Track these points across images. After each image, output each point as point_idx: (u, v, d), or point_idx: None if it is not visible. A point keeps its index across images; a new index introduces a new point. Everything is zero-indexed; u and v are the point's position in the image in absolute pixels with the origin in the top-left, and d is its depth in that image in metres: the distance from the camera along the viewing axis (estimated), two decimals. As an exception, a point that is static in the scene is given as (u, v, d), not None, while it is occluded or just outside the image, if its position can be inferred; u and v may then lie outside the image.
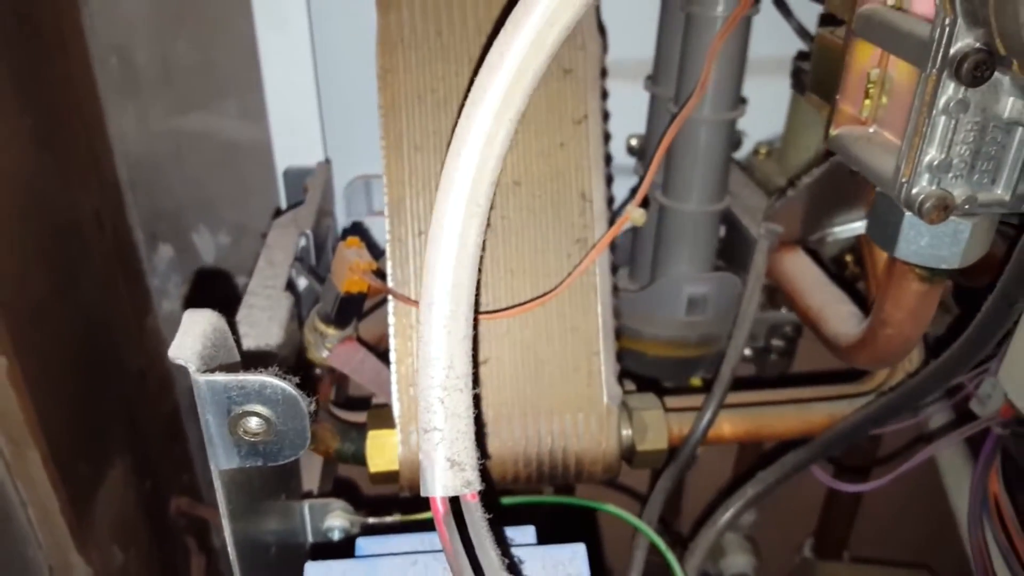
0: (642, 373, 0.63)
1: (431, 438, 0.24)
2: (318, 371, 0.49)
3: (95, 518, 0.64)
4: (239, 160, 0.73)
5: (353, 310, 0.46)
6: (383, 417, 0.43)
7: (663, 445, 0.45)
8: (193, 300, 0.67)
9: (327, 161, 0.60)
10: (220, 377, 0.25)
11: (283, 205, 0.62)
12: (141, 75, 0.70)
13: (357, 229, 0.60)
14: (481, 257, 0.27)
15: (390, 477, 0.43)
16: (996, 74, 0.30)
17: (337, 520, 0.42)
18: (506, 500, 0.45)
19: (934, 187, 0.32)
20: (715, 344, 0.59)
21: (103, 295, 0.70)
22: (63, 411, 0.58)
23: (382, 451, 0.43)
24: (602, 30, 0.47)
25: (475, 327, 0.28)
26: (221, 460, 0.27)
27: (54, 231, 0.60)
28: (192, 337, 0.26)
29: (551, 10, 0.24)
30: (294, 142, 0.60)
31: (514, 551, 0.31)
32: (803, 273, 0.50)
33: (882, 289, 0.40)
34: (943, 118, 0.31)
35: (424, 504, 0.43)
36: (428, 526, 0.37)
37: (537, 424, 0.44)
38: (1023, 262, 0.29)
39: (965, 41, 0.30)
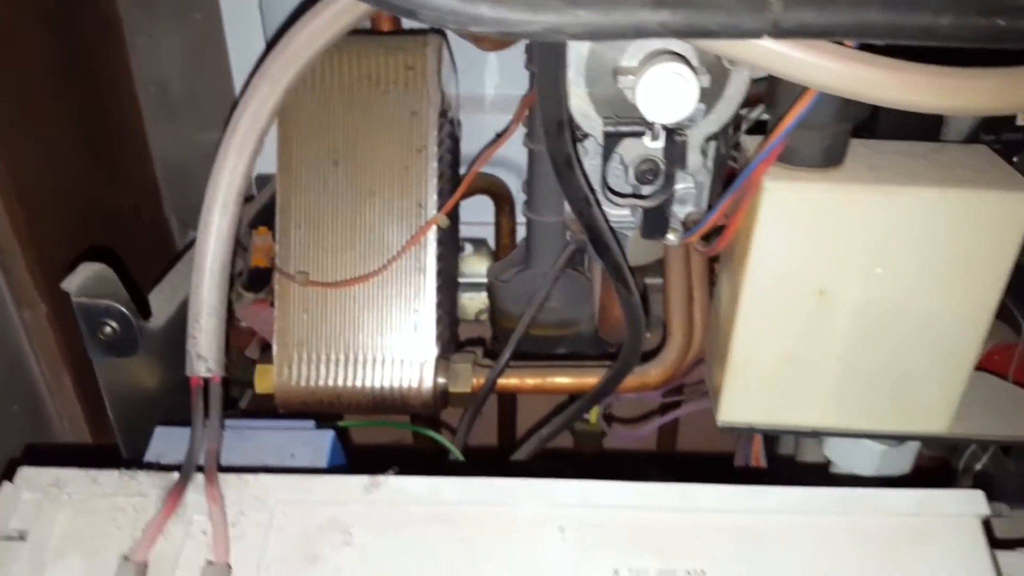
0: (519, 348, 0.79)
1: (190, 342, 0.42)
2: (244, 324, 0.68)
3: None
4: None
5: (262, 280, 0.65)
6: (268, 357, 0.62)
7: (467, 389, 0.61)
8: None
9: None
10: (84, 300, 0.44)
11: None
12: (175, 101, 0.92)
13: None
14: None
15: (269, 398, 0.61)
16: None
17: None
18: (358, 423, 0.62)
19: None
20: (571, 327, 0.74)
21: (140, 268, 0.92)
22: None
23: (263, 379, 0.61)
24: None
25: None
26: (94, 355, 0.46)
27: (95, 218, 0.82)
28: (78, 276, 0.45)
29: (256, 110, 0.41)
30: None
31: (281, 429, 0.49)
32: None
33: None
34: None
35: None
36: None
37: (375, 367, 0.61)
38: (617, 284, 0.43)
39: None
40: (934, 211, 0.42)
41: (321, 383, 0.61)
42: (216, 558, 0.36)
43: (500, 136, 0.63)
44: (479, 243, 0.89)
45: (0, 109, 0.68)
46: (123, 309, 0.45)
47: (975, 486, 0.64)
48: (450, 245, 0.67)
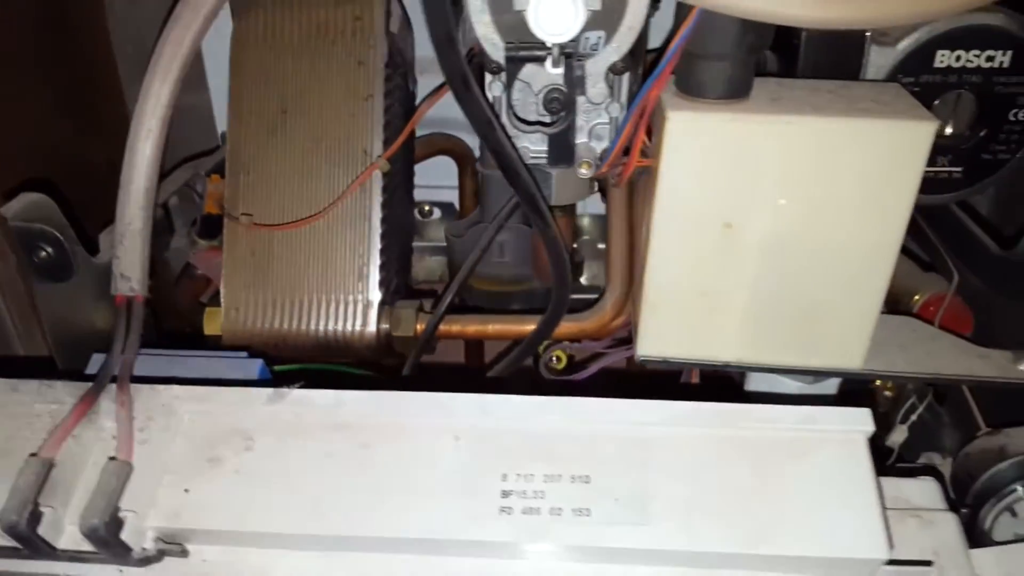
0: (475, 303, 0.80)
1: (115, 263, 0.44)
2: (199, 272, 0.70)
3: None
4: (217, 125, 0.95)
5: (215, 227, 0.67)
6: (219, 300, 0.64)
7: (410, 334, 0.63)
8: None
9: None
10: (20, 224, 0.46)
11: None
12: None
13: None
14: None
15: (217, 338, 0.63)
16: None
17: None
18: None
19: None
20: (524, 283, 0.75)
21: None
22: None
23: (212, 321, 0.63)
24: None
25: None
26: (31, 279, 0.48)
27: (68, 173, 0.84)
28: (17, 203, 0.47)
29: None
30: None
31: (212, 357, 0.50)
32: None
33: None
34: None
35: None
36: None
37: (320, 311, 0.62)
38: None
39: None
40: (834, 141, 0.43)
41: (267, 325, 0.63)
42: (119, 455, 0.38)
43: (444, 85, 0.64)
44: (447, 207, 0.91)
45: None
46: (57, 234, 0.46)
47: (911, 437, 0.65)
48: (399, 195, 0.69)
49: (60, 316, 0.51)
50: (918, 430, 0.65)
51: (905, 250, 0.71)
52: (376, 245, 0.63)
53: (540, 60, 0.40)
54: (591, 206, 0.83)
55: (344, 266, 0.63)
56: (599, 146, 0.47)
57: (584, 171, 0.46)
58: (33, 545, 0.36)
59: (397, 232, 0.68)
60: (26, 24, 0.77)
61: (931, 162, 0.53)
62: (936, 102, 0.52)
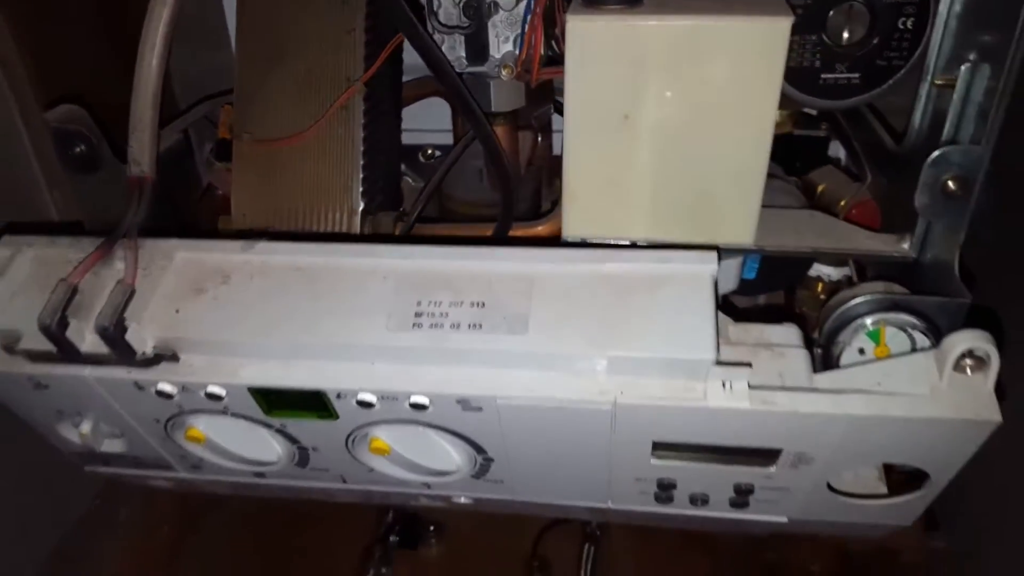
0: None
1: (129, 151, 0.57)
2: (219, 191, 0.83)
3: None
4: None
5: (229, 150, 0.80)
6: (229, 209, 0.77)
7: (389, 237, 0.75)
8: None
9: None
10: (59, 125, 0.60)
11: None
12: (188, 23, 1.07)
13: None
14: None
15: (227, 245, 0.76)
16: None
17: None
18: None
19: (436, 53, 0.60)
20: (502, 205, 0.86)
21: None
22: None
23: (226, 226, 0.76)
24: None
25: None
26: (67, 172, 0.61)
27: (115, 117, 0.98)
28: (57, 111, 0.61)
29: None
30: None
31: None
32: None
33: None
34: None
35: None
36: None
37: (311, 218, 0.75)
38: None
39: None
40: (703, 39, 0.53)
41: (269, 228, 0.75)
42: (125, 280, 0.50)
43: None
44: (449, 150, 1.01)
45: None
46: (88, 133, 0.60)
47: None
48: (383, 121, 0.80)
49: (92, 206, 0.64)
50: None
51: (838, 164, 0.80)
52: (359, 161, 0.75)
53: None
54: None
55: (332, 179, 0.75)
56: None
57: (505, 74, 0.56)
58: (62, 346, 0.49)
59: (381, 153, 0.79)
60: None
61: (830, 69, 0.62)
62: (831, 13, 0.60)
